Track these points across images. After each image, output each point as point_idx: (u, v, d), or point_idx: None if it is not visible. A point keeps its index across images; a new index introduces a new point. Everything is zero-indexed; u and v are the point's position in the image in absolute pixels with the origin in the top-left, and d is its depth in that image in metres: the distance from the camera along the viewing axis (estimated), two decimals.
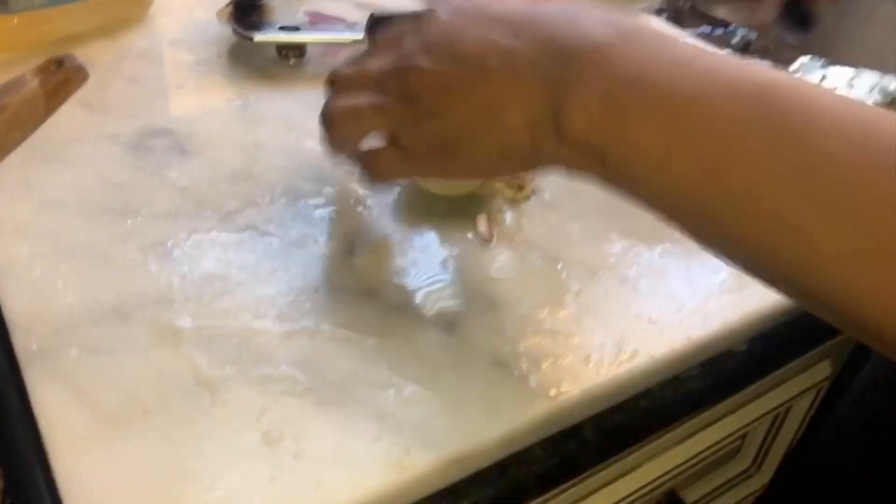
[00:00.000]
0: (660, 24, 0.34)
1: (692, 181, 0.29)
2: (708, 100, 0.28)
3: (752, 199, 0.27)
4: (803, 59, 0.70)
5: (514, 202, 0.48)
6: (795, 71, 0.68)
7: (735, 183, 0.28)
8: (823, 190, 0.26)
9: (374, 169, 0.40)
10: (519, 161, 0.35)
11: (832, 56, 0.71)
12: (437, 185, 0.48)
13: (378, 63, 0.38)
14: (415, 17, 0.38)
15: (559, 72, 0.32)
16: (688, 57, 0.30)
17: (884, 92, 0.66)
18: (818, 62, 0.70)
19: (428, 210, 0.47)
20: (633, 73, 0.30)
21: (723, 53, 0.30)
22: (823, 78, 0.67)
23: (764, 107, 0.28)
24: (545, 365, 0.39)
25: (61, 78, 0.37)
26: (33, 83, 0.36)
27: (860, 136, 0.26)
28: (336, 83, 0.41)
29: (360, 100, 0.38)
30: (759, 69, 0.29)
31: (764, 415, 0.53)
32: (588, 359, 0.39)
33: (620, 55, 0.31)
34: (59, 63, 0.37)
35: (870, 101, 0.64)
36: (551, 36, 0.33)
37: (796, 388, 0.54)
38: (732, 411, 0.51)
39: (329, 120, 0.40)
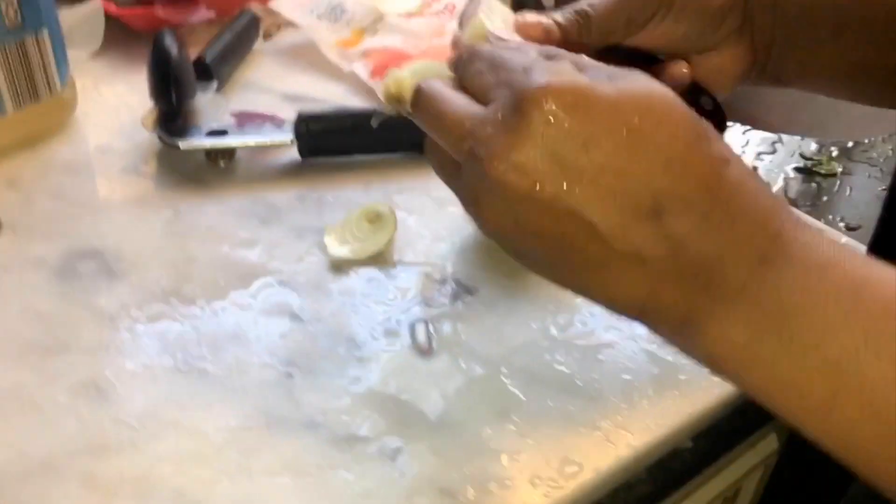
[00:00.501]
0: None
1: (861, 427, 0.25)
2: (884, 344, 0.25)
3: None
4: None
5: None
6: None
7: None
8: None
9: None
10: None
11: (749, 120, 0.72)
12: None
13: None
14: (508, 97, 0.29)
15: (699, 282, 0.27)
16: (858, 284, 0.26)
17: (804, 156, 0.68)
18: (740, 128, 0.71)
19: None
20: (790, 306, 0.26)
21: None
22: (746, 143, 0.69)
23: None
24: (492, 489, 0.38)
25: None
26: None
27: None
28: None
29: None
30: None
31: (715, 498, 0.53)
32: (534, 480, 0.39)
33: (774, 281, 0.26)
34: None
35: (792, 166, 0.66)
36: (693, 233, 0.27)
37: (745, 466, 0.55)
38: (684, 499, 0.51)
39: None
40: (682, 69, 0.43)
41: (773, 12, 0.43)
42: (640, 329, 0.47)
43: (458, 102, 0.32)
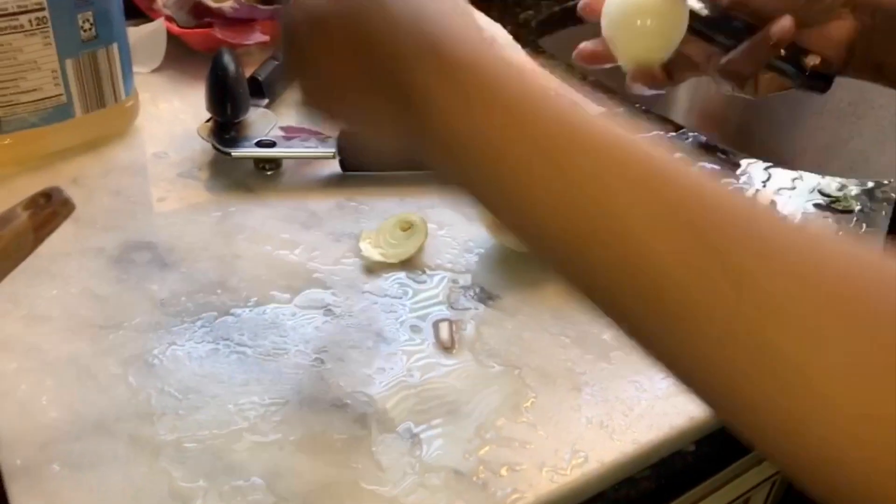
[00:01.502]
0: None
1: (530, 163, 0.29)
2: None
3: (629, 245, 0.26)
4: (748, 161, 0.75)
5: None
6: (742, 172, 0.73)
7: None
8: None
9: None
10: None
11: (781, 161, 0.75)
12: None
13: None
14: None
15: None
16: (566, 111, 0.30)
17: (823, 193, 0.70)
18: (762, 164, 0.74)
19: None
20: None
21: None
22: (769, 177, 0.72)
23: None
24: (502, 472, 0.41)
25: (49, 211, 0.40)
26: (23, 217, 0.39)
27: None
28: None
29: None
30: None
31: None
32: (542, 465, 0.42)
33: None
34: (47, 197, 0.40)
35: (811, 202, 0.69)
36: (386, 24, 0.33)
37: (753, 481, 0.57)
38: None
39: None
40: (783, 23, 0.47)
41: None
42: None
43: None
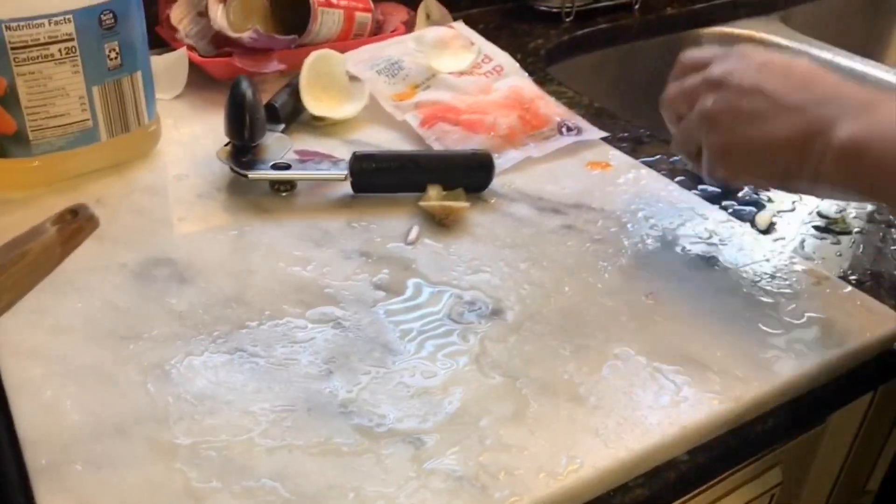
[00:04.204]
0: None
1: None
2: None
3: None
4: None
5: (440, 223, 0.63)
6: (744, 193, 0.74)
7: None
8: None
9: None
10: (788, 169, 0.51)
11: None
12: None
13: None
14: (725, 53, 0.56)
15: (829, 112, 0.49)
16: None
17: (822, 215, 0.72)
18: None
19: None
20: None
21: None
22: (769, 199, 0.73)
23: None
24: (501, 476, 0.43)
25: (75, 226, 0.43)
26: (51, 231, 0.42)
27: None
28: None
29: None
30: None
31: None
32: (539, 470, 0.44)
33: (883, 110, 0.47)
34: (74, 213, 0.43)
35: (811, 224, 0.70)
36: (831, 89, 0.51)
37: (750, 494, 0.58)
38: None
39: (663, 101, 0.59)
40: None
41: None
42: (644, 349, 0.52)
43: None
